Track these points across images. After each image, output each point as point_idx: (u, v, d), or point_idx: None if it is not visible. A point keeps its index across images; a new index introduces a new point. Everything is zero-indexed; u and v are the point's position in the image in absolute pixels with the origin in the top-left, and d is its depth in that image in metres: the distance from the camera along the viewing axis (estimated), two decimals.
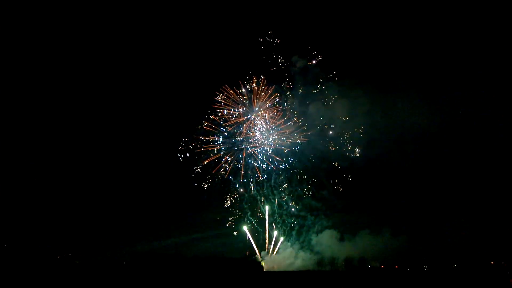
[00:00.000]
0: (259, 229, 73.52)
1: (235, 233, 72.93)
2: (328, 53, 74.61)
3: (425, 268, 70.34)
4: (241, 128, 72.82)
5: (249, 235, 73.02)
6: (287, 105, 73.52)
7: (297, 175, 73.31)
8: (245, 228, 73.06)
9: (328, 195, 72.95)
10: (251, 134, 72.97)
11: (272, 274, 69.26)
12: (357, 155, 72.50)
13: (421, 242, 71.79)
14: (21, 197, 71.36)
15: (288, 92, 73.92)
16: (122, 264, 71.82)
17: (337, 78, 73.39)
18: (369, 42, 78.75)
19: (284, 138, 72.88)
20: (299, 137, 72.71)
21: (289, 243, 73.54)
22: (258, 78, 72.80)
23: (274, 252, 73.36)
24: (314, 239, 73.18)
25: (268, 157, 72.88)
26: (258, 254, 73.07)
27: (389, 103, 75.42)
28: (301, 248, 73.10)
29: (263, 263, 71.55)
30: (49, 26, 74.06)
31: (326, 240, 72.69)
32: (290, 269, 70.33)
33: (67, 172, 74.68)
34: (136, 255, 71.58)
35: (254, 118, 72.88)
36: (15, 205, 70.23)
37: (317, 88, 73.35)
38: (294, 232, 73.80)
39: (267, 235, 73.63)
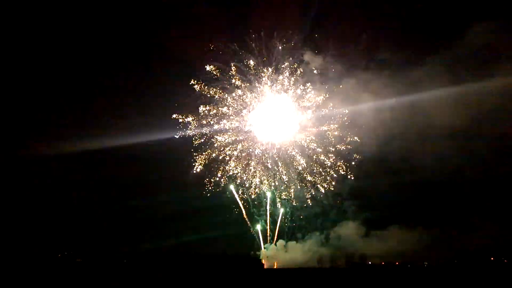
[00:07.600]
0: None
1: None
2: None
3: (425, 264, 70.10)
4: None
5: (235, 193, 69.59)
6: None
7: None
8: (231, 187, 69.36)
9: (353, 187, 70.07)
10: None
11: (271, 271, 69.33)
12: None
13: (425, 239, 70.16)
14: (20, 194, 72.05)
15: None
16: (123, 262, 72.76)
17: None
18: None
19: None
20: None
21: (312, 234, 71.55)
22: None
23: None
24: (334, 233, 71.32)
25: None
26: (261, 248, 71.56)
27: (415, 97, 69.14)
28: (321, 242, 71.14)
29: (263, 261, 71.51)
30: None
31: (347, 235, 70.84)
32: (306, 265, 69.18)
33: (68, 169, 74.96)
34: (136, 254, 72.40)
35: None
36: (15, 203, 70.94)
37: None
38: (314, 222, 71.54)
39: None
